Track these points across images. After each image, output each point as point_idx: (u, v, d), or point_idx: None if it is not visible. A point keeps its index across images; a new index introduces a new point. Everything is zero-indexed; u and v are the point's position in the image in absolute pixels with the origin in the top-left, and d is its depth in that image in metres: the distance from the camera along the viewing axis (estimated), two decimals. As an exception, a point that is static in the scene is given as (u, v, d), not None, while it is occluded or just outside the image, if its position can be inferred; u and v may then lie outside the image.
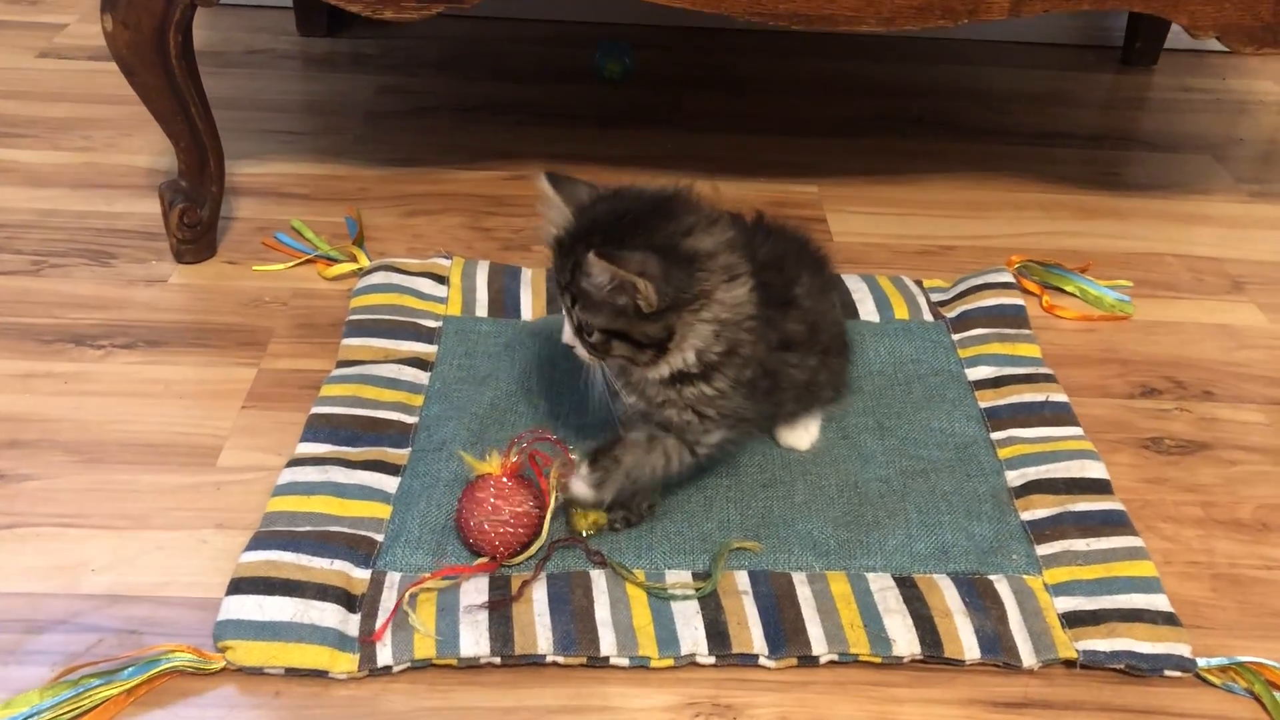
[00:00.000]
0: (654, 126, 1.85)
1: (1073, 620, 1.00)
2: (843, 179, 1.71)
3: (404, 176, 1.66)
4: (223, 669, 0.93)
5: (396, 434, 1.15)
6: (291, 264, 1.45)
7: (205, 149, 1.38)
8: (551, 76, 1.99)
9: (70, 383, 1.24)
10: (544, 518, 1.01)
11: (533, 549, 1.01)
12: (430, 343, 1.29)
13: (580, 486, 1.00)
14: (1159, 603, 1.01)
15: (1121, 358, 1.37)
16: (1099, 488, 1.13)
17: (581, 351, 0.99)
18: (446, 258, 1.43)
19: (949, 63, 2.12)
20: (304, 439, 1.13)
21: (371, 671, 0.93)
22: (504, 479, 1.01)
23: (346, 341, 1.27)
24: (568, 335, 0.99)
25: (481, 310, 1.35)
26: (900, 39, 2.18)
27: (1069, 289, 1.47)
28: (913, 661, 0.97)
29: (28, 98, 1.80)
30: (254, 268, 1.44)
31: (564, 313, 0.99)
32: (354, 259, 1.43)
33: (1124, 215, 1.67)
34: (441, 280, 1.39)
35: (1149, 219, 1.67)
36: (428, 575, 0.99)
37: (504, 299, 1.36)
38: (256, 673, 0.93)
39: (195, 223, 1.40)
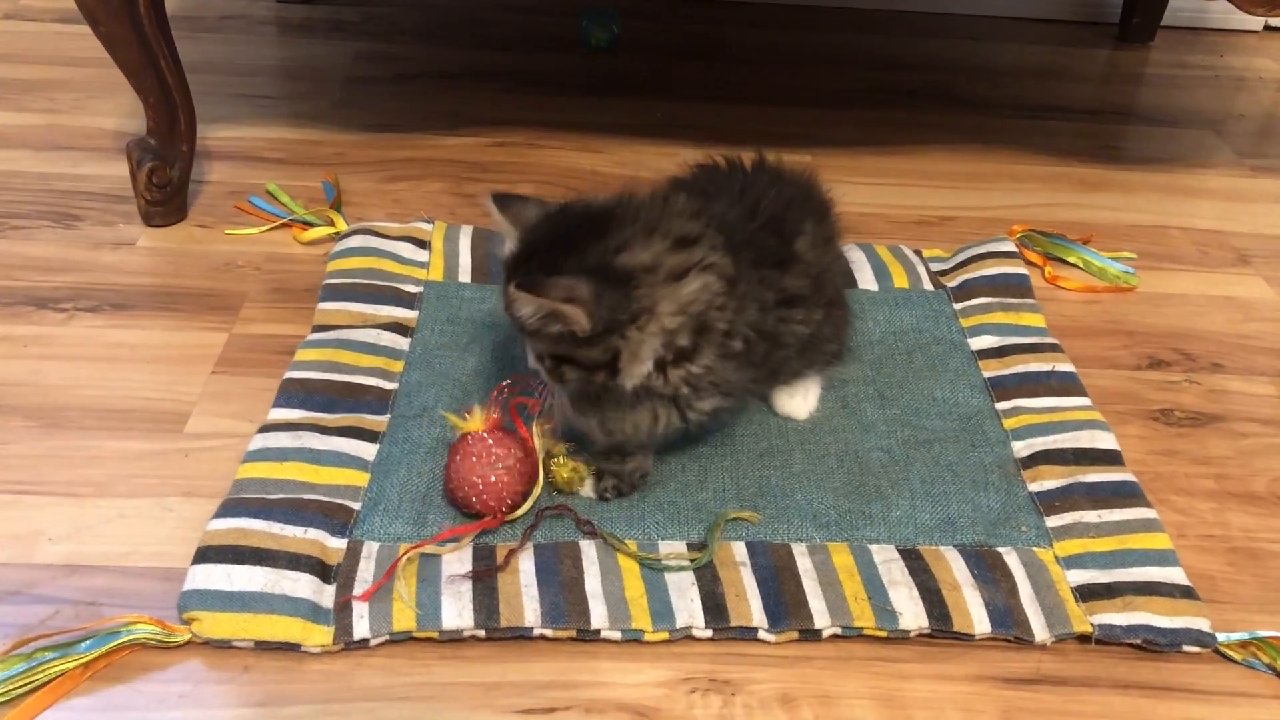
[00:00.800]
0: (642, 95, 1.79)
1: (1086, 594, 0.95)
2: (836, 149, 1.67)
3: (383, 142, 1.60)
4: (188, 642, 0.87)
5: (375, 400, 1.10)
6: (266, 228, 1.39)
7: (175, 105, 1.32)
8: (537, 45, 1.93)
9: (30, 346, 1.17)
10: (537, 465, 0.97)
11: (531, 499, 0.97)
12: (411, 308, 1.23)
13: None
14: (1175, 576, 0.97)
15: (1127, 329, 1.33)
16: (1109, 458, 1.09)
17: (546, 378, 0.96)
18: (428, 222, 1.37)
19: (943, 37, 2.08)
20: (277, 404, 1.07)
21: (347, 645, 0.88)
22: (491, 433, 0.96)
23: (323, 306, 1.21)
24: (532, 360, 0.96)
25: (465, 276, 1.29)
26: (891, 13, 2.14)
27: (1072, 260, 1.43)
28: (919, 636, 0.92)
29: (-9, 59, 1.73)
30: (226, 231, 1.38)
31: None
32: (331, 223, 1.37)
33: (1125, 188, 1.63)
34: (423, 245, 1.33)
35: (1151, 192, 1.62)
36: (428, 540, 0.94)
37: (488, 264, 1.31)
38: (224, 646, 0.87)
39: (165, 183, 1.34)
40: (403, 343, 1.18)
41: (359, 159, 1.56)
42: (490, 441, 0.96)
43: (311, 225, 1.37)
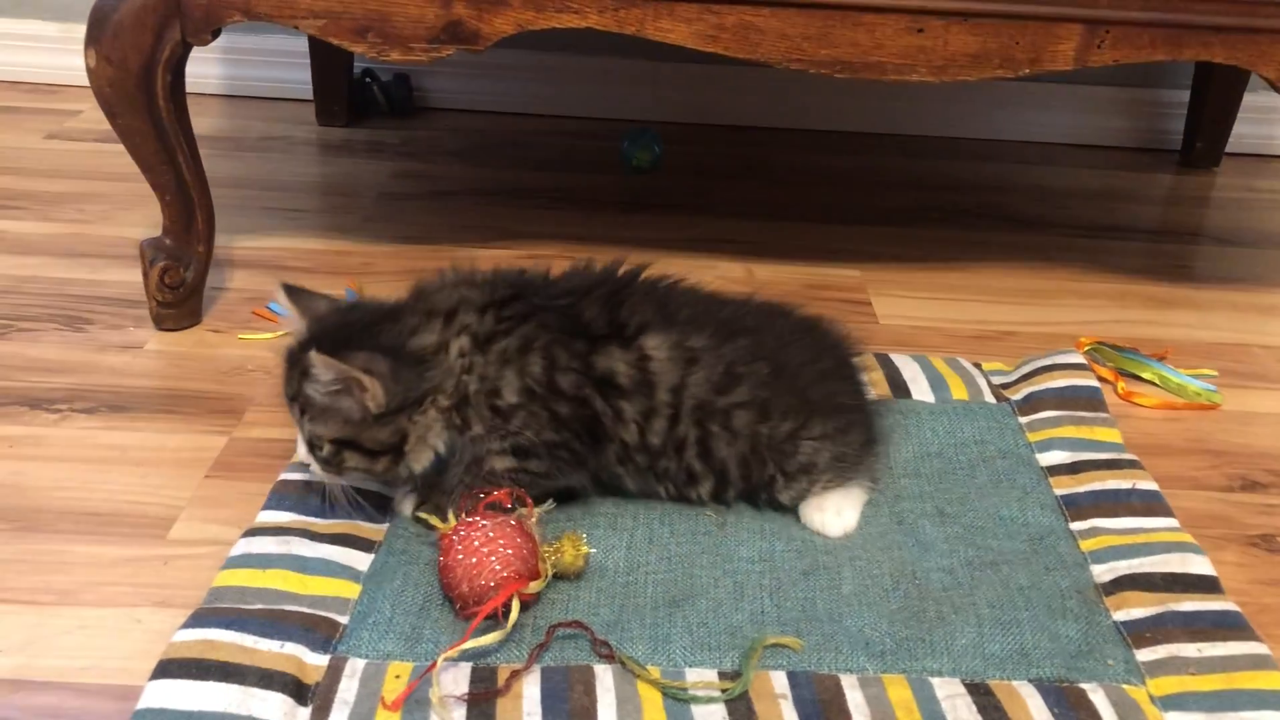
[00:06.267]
0: (682, 212, 1.73)
1: (1190, 740, 0.81)
2: (886, 264, 1.58)
3: (413, 252, 1.55)
4: (135, 771, 0.75)
5: (374, 508, 0.99)
6: (281, 333, 1.31)
7: (193, 204, 1.27)
8: (576, 166, 1.89)
9: (15, 446, 1.09)
10: (535, 539, 0.89)
11: (547, 569, 0.89)
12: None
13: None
14: (1296, 721, 0.82)
15: (1213, 449, 1.20)
16: (1206, 585, 0.95)
17: (317, 469, 0.93)
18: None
19: (995, 161, 2.01)
20: (266, 507, 0.98)
21: (318, 779, 0.75)
22: (481, 516, 0.89)
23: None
24: (302, 453, 0.94)
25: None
26: (939, 139, 2.08)
27: (1146, 376, 1.31)
28: (993, 786, 0.78)
29: (28, 174, 1.72)
30: (239, 336, 1.31)
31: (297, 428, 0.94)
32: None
33: (1200, 306, 1.52)
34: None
35: (1229, 310, 1.51)
36: (467, 633, 0.83)
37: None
38: (177, 777, 0.75)
39: (177, 284, 1.28)
40: (413, 448, 1.08)
41: (387, 268, 1.50)
42: (485, 521, 0.87)
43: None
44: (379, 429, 0.90)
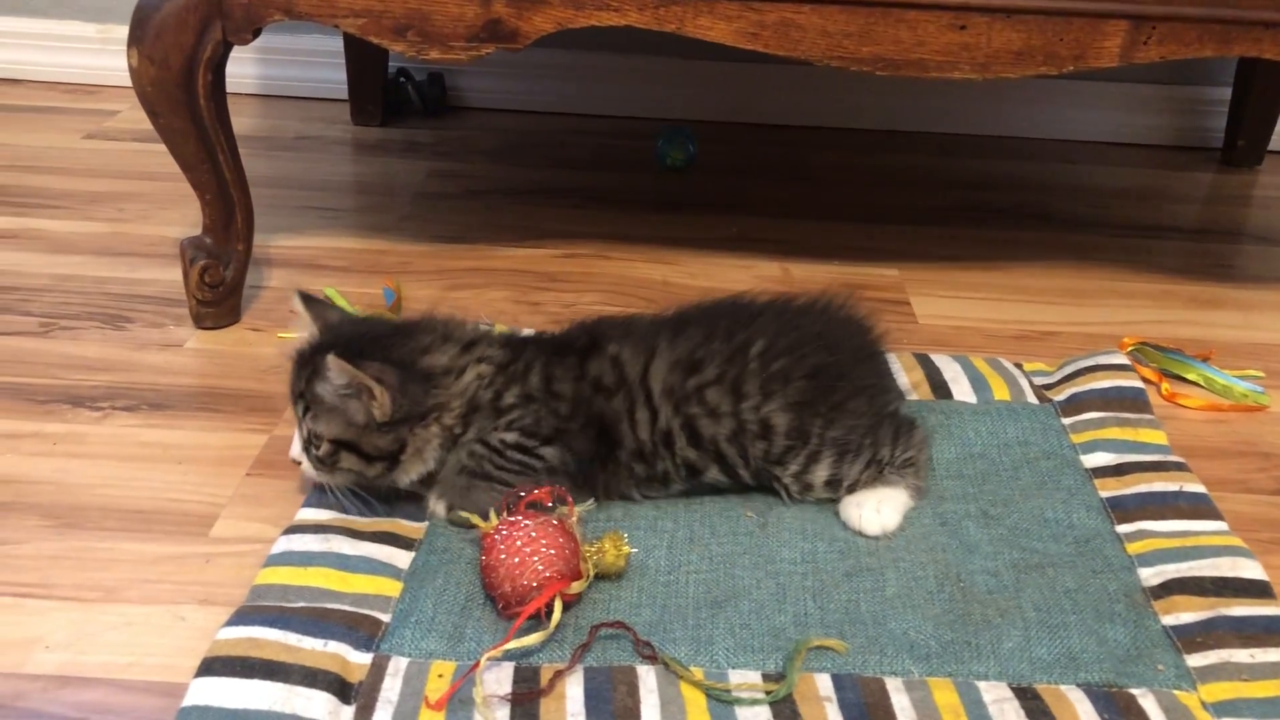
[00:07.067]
0: (717, 211, 1.72)
1: (1245, 748, 0.79)
2: (926, 264, 1.57)
3: (450, 252, 1.55)
4: (181, 768, 0.76)
5: (414, 506, 0.99)
6: (319, 332, 1.32)
7: (233, 203, 1.27)
8: (610, 165, 1.89)
9: (59, 444, 1.10)
10: (576, 538, 0.89)
11: (589, 568, 0.89)
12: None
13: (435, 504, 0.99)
14: (1353, 730, 0.80)
15: (1262, 451, 1.18)
16: (1257, 590, 0.93)
17: (308, 467, 0.96)
18: (488, 325, 1.29)
19: (1032, 160, 1.99)
20: (307, 504, 0.98)
21: (362, 777, 0.75)
22: (522, 515, 0.89)
23: (370, 407, 1.13)
24: (295, 450, 0.98)
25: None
26: (975, 137, 2.07)
27: (1191, 377, 1.29)
28: (1042, 792, 0.77)
29: (67, 173, 1.73)
30: (279, 335, 1.31)
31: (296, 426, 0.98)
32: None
33: (1244, 306, 1.50)
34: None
35: (1273, 310, 1.49)
36: (510, 632, 0.83)
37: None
38: (222, 774, 0.75)
39: (217, 282, 1.28)
40: (452, 447, 1.08)
41: (423, 268, 1.50)
42: (527, 521, 0.86)
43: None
44: (380, 436, 0.94)
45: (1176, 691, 0.84)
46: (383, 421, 0.93)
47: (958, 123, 2.08)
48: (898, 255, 1.58)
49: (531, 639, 0.83)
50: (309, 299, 1.03)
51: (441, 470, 0.98)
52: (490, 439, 0.97)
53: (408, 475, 0.97)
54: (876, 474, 1.01)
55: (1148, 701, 0.83)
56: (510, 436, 0.97)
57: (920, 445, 1.05)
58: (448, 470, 0.98)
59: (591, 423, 0.99)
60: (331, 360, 0.91)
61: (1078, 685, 0.84)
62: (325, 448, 0.94)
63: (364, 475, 0.95)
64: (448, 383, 0.97)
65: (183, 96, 1.18)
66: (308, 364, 0.96)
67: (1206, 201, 1.88)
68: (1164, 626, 0.90)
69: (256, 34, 1.18)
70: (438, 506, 0.98)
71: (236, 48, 1.20)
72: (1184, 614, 0.91)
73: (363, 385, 0.91)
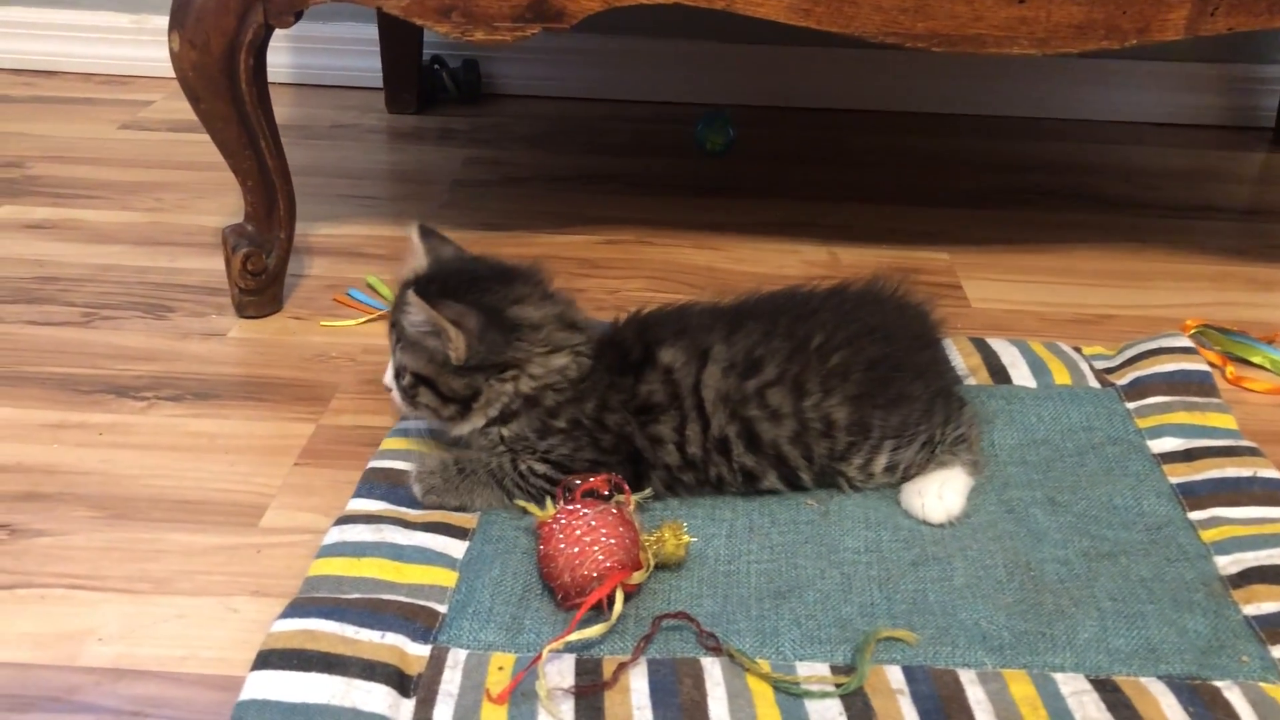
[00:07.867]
0: (759, 196, 1.70)
1: (1337, 742, 0.76)
2: (976, 247, 1.53)
3: (489, 240, 1.52)
4: (240, 763, 0.74)
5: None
6: (363, 320, 1.30)
7: (275, 190, 1.26)
8: (649, 150, 1.86)
9: (105, 434, 1.08)
10: (635, 525, 0.87)
11: (649, 557, 0.87)
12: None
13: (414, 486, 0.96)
14: None
15: (1333, 435, 1.14)
16: (1340, 579, 0.90)
17: (396, 397, 0.98)
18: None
19: (1079, 141, 1.95)
20: (357, 495, 0.96)
21: (425, 772, 0.73)
22: (581, 504, 0.87)
23: (417, 395, 1.11)
24: (388, 377, 0.99)
25: (572, 368, 1.18)
26: (1019, 119, 2.03)
27: (1256, 360, 1.26)
28: (1128, 788, 0.74)
29: (104, 163, 1.72)
30: (321, 323, 1.29)
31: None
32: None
33: (1306, 287, 1.46)
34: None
35: (1336, 291, 1.45)
36: (572, 624, 0.81)
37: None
38: (281, 769, 0.74)
39: (260, 270, 1.27)
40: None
41: (463, 256, 1.48)
42: (586, 510, 0.85)
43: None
44: (455, 378, 0.94)
45: (1264, 684, 0.81)
46: (459, 365, 0.92)
47: (1000, 105, 2.04)
48: (947, 238, 1.55)
49: (593, 630, 0.81)
50: (426, 231, 1.04)
51: (473, 441, 0.97)
52: (520, 462, 0.95)
53: (470, 426, 0.96)
54: (929, 455, 0.99)
55: (1233, 694, 0.80)
56: (540, 467, 0.95)
57: (970, 421, 1.03)
58: (447, 463, 0.96)
59: (631, 458, 0.96)
60: (411, 296, 0.91)
61: (1159, 677, 0.81)
62: (408, 379, 0.95)
63: (439, 414, 0.96)
64: (532, 338, 0.95)
65: (224, 81, 1.16)
66: (404, 295, 0.96)
67: (1259, 182, 1.84)
68: (1245, 616, 0.87)
69: (299, 16, 1.16)
70: (416, 486, 0.96)
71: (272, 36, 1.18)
72: (1265, 603, 0.88)
73: (439, 325, 0.91)
